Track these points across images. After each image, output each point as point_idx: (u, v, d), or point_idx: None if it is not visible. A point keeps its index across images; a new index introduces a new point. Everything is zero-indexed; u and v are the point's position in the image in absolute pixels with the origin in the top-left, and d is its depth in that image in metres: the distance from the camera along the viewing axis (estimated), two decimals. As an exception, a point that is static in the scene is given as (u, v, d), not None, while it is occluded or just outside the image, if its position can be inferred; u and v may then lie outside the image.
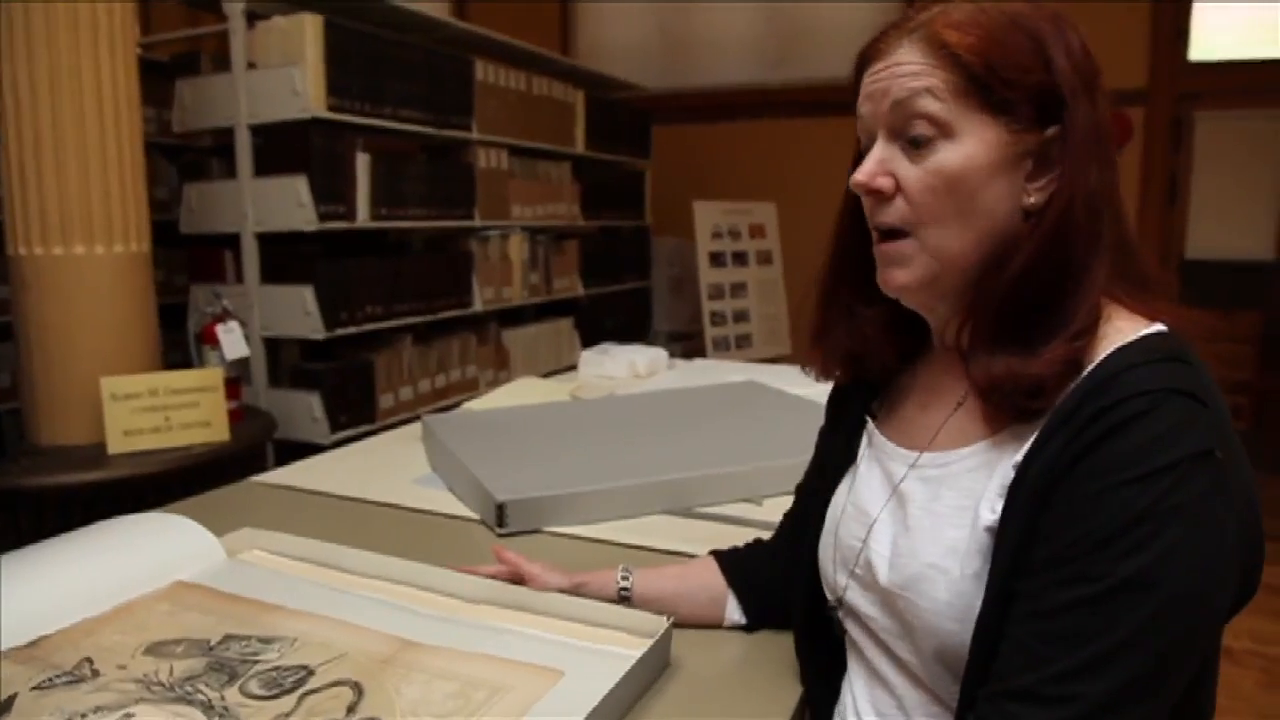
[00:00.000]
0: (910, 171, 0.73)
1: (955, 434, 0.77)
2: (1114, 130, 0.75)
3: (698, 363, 2.62)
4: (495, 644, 0.86)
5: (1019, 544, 0.65)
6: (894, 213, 0.74)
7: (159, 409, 2.19)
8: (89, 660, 0.81)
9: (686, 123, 5.14)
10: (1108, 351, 0.67)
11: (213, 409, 2.25)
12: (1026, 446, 0.68)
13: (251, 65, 2.64)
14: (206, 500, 1.43)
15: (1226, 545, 0.62)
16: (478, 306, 3.37)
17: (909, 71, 0.72)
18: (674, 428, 1.64)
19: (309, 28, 2.57)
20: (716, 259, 4.59)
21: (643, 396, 1.94)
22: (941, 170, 0.71)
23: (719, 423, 1.68)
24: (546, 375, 2.63)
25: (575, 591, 0.99)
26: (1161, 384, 0.62)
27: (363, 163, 2.80)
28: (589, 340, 3.48)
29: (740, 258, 4.68)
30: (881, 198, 0.74)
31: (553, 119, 3.85)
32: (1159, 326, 0.69)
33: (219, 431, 2.25)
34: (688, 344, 4.76)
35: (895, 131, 0.74)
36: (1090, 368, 0.67)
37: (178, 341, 2.76)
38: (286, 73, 2.57)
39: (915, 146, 0.72)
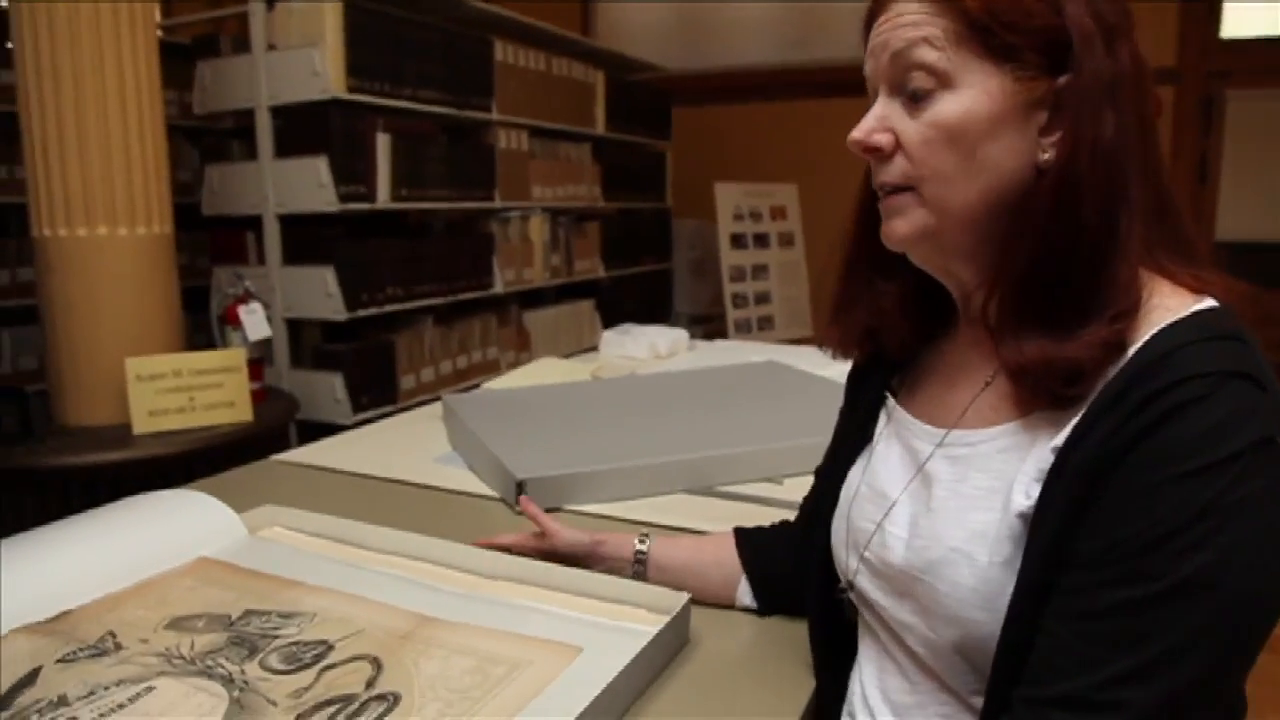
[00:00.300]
0: (909, 126, 0.70)
1: (985, 412, 0.73)
2: (1150, 85, 0.69)
3: (719, 343, 2.61)
4: (513, 620, 0.86)
5: (1059, 533, 0.61)
6: (894, 170, 0.71)
7: (183, 389, 2.21)
8: (112, 634, 0.82)
9: (707, 104, 5.10)
10: (1155, 329, 0.63)
11: (236, 389, 2.27)
12: (1067, 430, 0.64)
13: (271, 47, 2.65)
14: (229, 479, 1.44)
15: None
16: (498, 288, 3.37)
17: (908, 21, 0.69)
18: (694, 407, 1.63)
19: (328, 9, 2.57)
20: (738, 241, 4.56)
21: (663, 376, 1.93)
22: (939, 122, 0.68)
23: (740, 402, 1.67)
24: (567, 357, 2.63)
25: (594, 549, 0.99)
26: (1218, 365, 0.59)
27: (383, 144, 2.80)
28: (610, 322, 3.47)
29: (762, 240, 4.65)
30: (881, 155, 0.71)
31: (573, 100, 3.83)
32: (1209, 301, 0.65)
33: (242, 412, 2.27)
34: (709, 326, 4.74)
35: (895, 86, 0.71)
36: (1136, 347, 0.63)
37: (201, 324, 2.78)
38: (306, 54, 2.57)
39: (915, 100, 0.69)
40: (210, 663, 0.78)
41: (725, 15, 5.13)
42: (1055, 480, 0.63)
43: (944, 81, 0.67)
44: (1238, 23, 4.31)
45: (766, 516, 1.06)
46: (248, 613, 0.87)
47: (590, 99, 3.98)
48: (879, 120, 0.71)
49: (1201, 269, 0.68)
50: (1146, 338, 0.63)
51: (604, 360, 2.32)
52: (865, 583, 0.79)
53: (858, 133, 0.71)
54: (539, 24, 3.66)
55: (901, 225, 0.72)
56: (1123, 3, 0.68)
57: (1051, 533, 0.62)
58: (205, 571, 0.96)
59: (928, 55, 0.67)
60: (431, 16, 3.13)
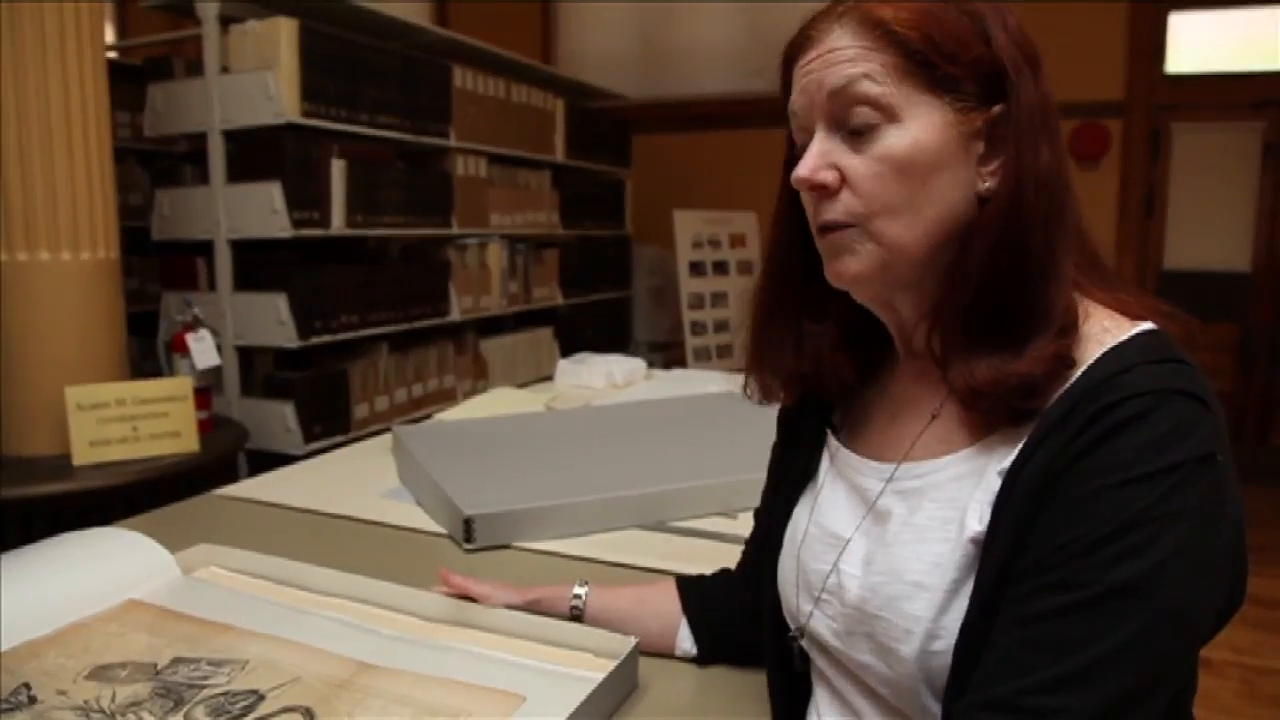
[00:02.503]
0: (854, 162, 0.68)
1: (933, 444, 0.71)
2: (1056, 113, 0.70)
3: (676, 372, 2.60)
4: (456, 667, 0.83)
5: (1007, 553, 0.61)
6: (840, 208, 0.69)
7: (126, 419, 2.15)
8: (26, 686, 0.78)
9: (667, 132, 5.13)
10: (1100, 352, 0.63)
11: (182, 419, 2.21)
12: (1015, 452, 0.64)
13: (225, 70, 2.61)
14: (166, 514, 1.39)
15: (1222, 554, 0.59)
16: (455, 315, 3.33)
17: (844, 57, 0.68)
18: (648, 439, 1.62)
19: (284, 32, 2.54)
20: (697, 268, 4.58)
21: (618, 407, 1.91)
22: (889, 156, 0.67)
23: (695, 434, 1.66)
24: (524, 385, 2.60)
25: (529, 607, 0.96)
26: (1164, 384, 0.59)
27: (338, 169, 2.77)
28: (569, 350, 3.46)
29: (721, 267, 4.67)
30: (827, 192, 0.69)
31: (532, 127, 3.82)
32: (1148, 325, 0.65)
33: (188, 442, 2.21)
34: (669, 353, 4.74)
35: (835, 122, 0.69)
36: (1082, 369, 0.63)
37: (152, 351, 2.71)
38: (260, 77, 2.54)
39: (859, 135, 0.68)
40: (132, 716, 0.74)
41: (685, 44, 5.17)
42: (1004, 501, 0.63)
43: (889, 115, 0.67)
44: (1181, 59, 4.43)
45: (719, 552, 1.05)
46: (176, 660, 0.83)
47: (550, 126, 3.97)
48: (822, 157, 0.70)
49: (1128, 293, 0.69)
50: (1093, 359, 0.63)
51: (560, 390, 2.29)
52: (820, 626, 0.77)
53: (803, 170, 0.70)
54: (499, 51, 3.66)
55: (853, 263, 0.70)
56: (1028, 34, 0.69)
57: (1001, 553, 0.62)
58: (133, 615, 0.92)
59: (870, 90, 0.66)
60: (389, 41, 3.11)
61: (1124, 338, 0.64)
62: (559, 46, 5.46)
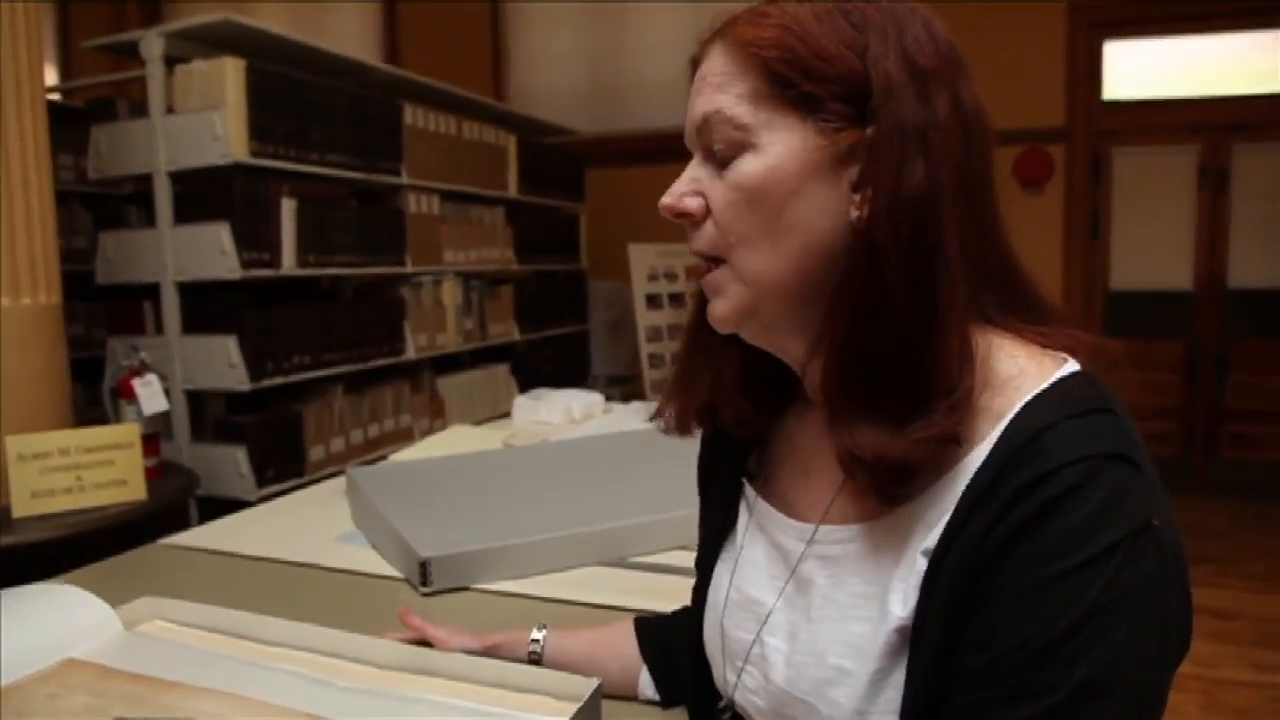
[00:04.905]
0: (716, 190, 0.65)
1: (849, 507, 0.67)
2: (983, 138, 0.64)
3: (634, 405, 2.59)
4: (415, 717, 0.80)
5: (942, 642, 0.57)
6: (704, 238, 0.66)
7: (70, 468, 2.08)
8: (-44, 756, 0.74)
9: (620, 166, 5.15)
10: (1019, 404, 0.59)
11: (129, 467, 2.15)
12: (938, 530, 0.59)
13: (171, 110, 2.58)
14: (110, 566, 1.34)
15: (1172, 622, 0.57)
16: (411, 354, 3.30)
17: (712, 83, 0.65)
18: (607, 474, 1.60)
19: (230, 71, 2.52)
20: (653, 301, 4.59)
21: (576, 442, 1.89)
22: (741, 183, 0.63)
23: (653, 468, 1.64)
24: (482, 423, 2.57)
25: (487, 653, 0.94)
26: (1090, 448, 0.55)
27: (288, 209, 2.74)
28: (527, 386, 3.43)
29: (677, 299, 4.68)
30: (692, 220, 0.67)
31: (485, 163, 3.82)
32: (1070, 365, 0.62)
33: (135, 490, 2.15)
34: (627, 387, 4.73)
35: (705, 150, 0.66)
36: (1003, 424, 0.59)
37: (98, 397, 2.65)
38: (207, 117, 2.51)
39: (723, 163, 0.65)
40: (70, 783, 0.70)
41: (636, 79, 5.22)
42: (930, 588, 0.59)
43: (746, 139, 0.63)
44: (1118, 85, 4.56)
45: (680, 586, 1.03)
46: (117, 722, 0.80)
47: (502, 162, 3.98)
48: (690, 184, 0.67)
49: (1048, 325, 0.65)
50: (1012, 414, 0.59)
51: (517, 427, 2.27)
52: (745, 699, 0.73)
53: (668, 197, 0.67)
54: (448, 88, 3.66)
55: (721, 306, 0.67)
56: (949, 50, 0.64)
57: (933, 645, 0.58)
58: (71, 675, 0.88)
59: (727, 112, 0.64)
60: (338, 80, 3.10)
61: (1045, 385, 0.60)
62: (510, 83, 5.49)
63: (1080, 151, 4.54)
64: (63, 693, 0.85)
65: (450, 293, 3.56)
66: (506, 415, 2.47)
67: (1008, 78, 4.24)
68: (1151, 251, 4.59)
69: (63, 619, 0.95)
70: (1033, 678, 0.54)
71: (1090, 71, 4.53)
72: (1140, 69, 4.55)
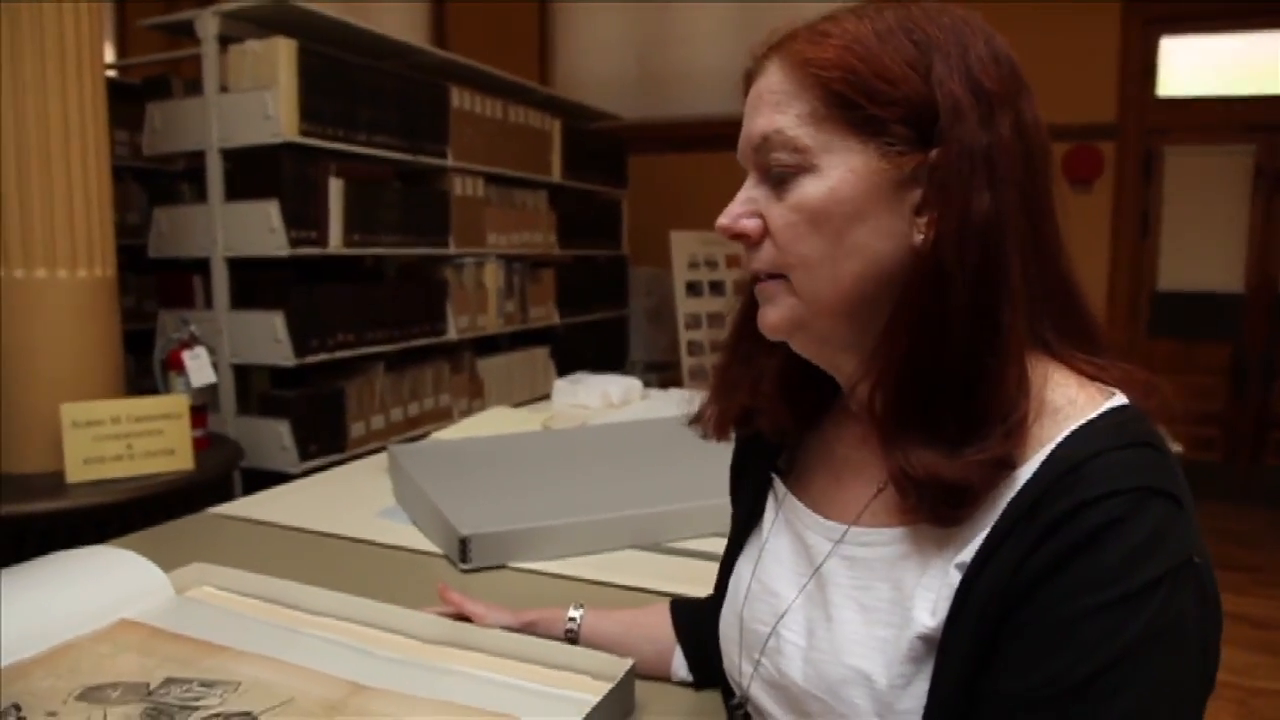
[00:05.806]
0: (775, 211, 0.65)
1: (883, 513, 0.67)
2: (1044, 159, 0.64)
3: (673, 392, 2.60)
4: (449, 688, 0.83)
5: (970, 659, 0.57)
6: (763, 258, 0.66)
7: (121, 436, 2.14)
8: (16, 707, 0.77)
9: (663, 153, 5.15)
10: (1066, 431, 0.59)
11: (177, 437, 2.21)
12: (974, 545, 0.59)
13: (224, 89, 2.62)
14: (161, 533, 1.38)
15: (1211, 658, 0.57)
16: (452, 335, 3.33)
17: (770, 101, 0.65)
18: (645, 460, 1.61)
19: (282, 52, 2.55)
20: (693, 289, 4.59)
21: (615, 427, 1.91)
22: (801, 205, 0.63)
23: (690, 454, 1.65)
24: (520, 405, 2.60)
25: (524, 630, 0.95)
26: (1135, 481, 0.55)
27: (335, 188, 2.77)
28: (565, 370, 3.46)
29: (717, 288, 4.68)
30: (749, 241, 0.67)
31: (529, 147, 3.84)
32: (1118, 398, 0.61)
33: (183, 460, 2.20)
34: (665, 374, 4.74)
35: (761, 169, 0.66)
36: (1047, 450, 0.58)
37: (149, 368, 2.71)
38: (259, 96, 2.55)
39: (781, 184, 0.64)
40: (124, 737, 0.74)
41: (682, 66, 5.20)
42: (963, 603, 0.58)
43: (806, 163, 0.63)
44: (1173, 82, 4.47)
45: (715, 572, 1.04)
46: (168, 681, 0.83)
47: (547, 147, 3.99)
48: (746, 204, 0.67)
49: (1101, 356, 0.65)
50: (1058, 440, 0.59)
51: (556, 409, 2.29)
52: (759, 692, 0.73)
53: (724, 219, 0.67)
54: (495, 71, 3.68)
55: (772, 314, 0.67)
56: (1011, 69, 0.63)
57: (962, 660, 0.58)
58: (125, 636, 0.91)
59: (787, 133, 0.63)
60: (387, 62, 3.13)
61: (1093, 415, 0.60)
62: (556, 68, 5.50)
63: (1132, 148, 4.46)
64: (117, 651, 0.88)
65: (492, 275, 3.59)
66: (545, 398, 2.49)
67: (1060, 71, 4.16)
68: (1201, 252, 4.50)
69: (118, 581, 0.99)
70: (1071, 709, 0.54)
71: (1145, 67, 4.44)
72: (1197, 66, 4.45)
